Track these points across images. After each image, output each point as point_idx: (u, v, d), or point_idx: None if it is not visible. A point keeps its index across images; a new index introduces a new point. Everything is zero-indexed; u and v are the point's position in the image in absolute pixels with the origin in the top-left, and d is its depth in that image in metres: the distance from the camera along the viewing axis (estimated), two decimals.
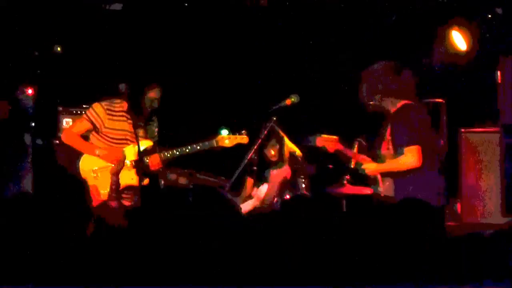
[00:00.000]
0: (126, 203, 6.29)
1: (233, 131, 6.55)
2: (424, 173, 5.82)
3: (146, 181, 6.32)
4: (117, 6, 8.09)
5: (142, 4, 8.16)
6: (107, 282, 3.97)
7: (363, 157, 6.31)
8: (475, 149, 7.92)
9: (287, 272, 4.09)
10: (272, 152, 7.53)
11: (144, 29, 8.23)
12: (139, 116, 6.30)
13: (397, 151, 5.90)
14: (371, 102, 6.11)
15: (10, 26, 7.68)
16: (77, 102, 6.94)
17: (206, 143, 6.41)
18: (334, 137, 6.52)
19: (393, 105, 6.04)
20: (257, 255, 4.11)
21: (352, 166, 7.04)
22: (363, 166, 6.20)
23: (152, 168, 6.37)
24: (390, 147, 6.02)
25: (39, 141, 7.72)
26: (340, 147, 6.48)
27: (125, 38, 8.13)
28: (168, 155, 6.38)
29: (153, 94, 6.33)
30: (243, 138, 6.51)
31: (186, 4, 8.13)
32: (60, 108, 7.69)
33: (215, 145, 6.43)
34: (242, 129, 6.53)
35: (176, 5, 8.21)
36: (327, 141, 6.54)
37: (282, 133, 7.11)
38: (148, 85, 6.30)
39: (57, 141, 7.64)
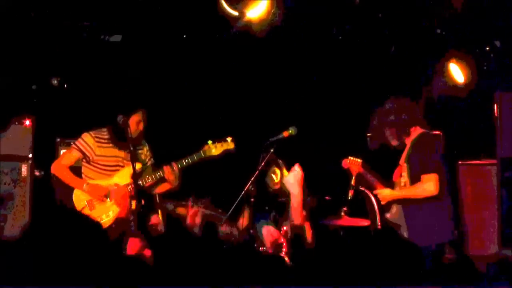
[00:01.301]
0: None
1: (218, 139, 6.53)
2: (437, 202, 5.82)
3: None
4: (117, 38, 8.14)
5: (141, 35, 8.20)
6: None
7: (380, 185, 6.31)
8: (472, 182, 7.91)
9: None
10: (275, 179, 7.33)
11: (143, 60, 8.27)
12: (123, 142, 6.29)
13: (413, 178, 5.90)
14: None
15: (8, 58, 7.72)
16: (75, 133, 6.92)
17: (194, 155, 6.44)
18: (359, 160, 6.60)
19: (407, 134, 6.07)
20: None
21: (349, 198, 7.05)
22: (375, 192, 6.18)
23: (167, 177, 6.39)
24: (404, 174, 6.01)
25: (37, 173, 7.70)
26: (361, 170, 6.55)
27: (123, 69, 8.17)
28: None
29: (137, 116, 6.36)
30: (228, 144, 6.52)
31: (185, 36, 8.18)
32: (58, 139, 7.70)
33: (203, 155, 6.45)
34: (226, 136, 6.54)
35: (174, 36, 8.25)
36: (352, 164, 6.64)
37: (281, 166, 7.08)
38: (133, 109, 6.36)
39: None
